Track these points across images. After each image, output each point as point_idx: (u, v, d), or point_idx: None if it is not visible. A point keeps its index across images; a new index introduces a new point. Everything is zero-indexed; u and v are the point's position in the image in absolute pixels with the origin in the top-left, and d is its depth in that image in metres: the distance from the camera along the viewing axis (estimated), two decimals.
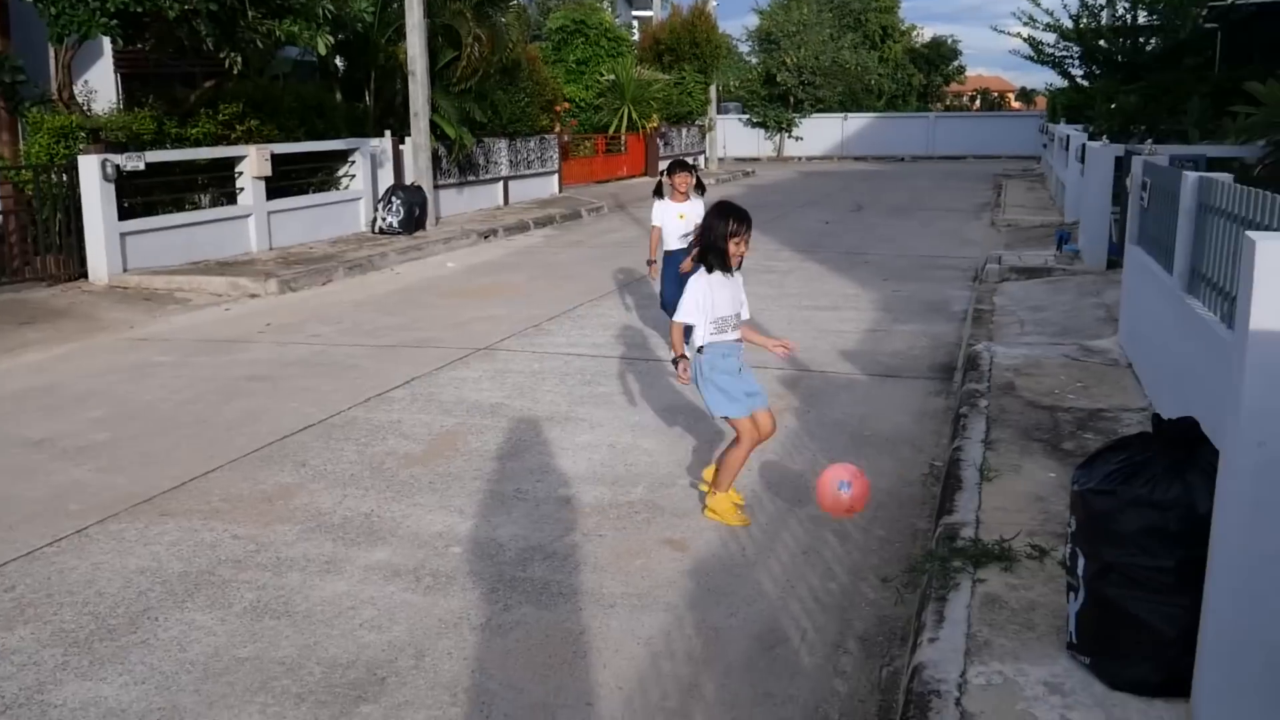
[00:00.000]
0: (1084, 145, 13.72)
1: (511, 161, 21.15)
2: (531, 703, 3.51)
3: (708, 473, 5.23)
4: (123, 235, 12.09)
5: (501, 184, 20.86)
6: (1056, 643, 3.43)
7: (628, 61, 28.67)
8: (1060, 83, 20.90)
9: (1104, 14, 18.41)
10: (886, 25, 48.41)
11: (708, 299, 4.82)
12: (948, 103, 56.61)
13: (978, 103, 61.98)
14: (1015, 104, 61.85)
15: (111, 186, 11.82)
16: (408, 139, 17.04)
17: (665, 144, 30.51)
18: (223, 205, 13.80)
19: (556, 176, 23.41)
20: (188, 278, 12.01)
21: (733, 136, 40.57)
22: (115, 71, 15.29)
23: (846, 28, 45.30)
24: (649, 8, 36.70)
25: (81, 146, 12.03)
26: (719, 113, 37.17)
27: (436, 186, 17.76)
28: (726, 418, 4.96)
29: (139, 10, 11.07)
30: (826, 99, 41.47)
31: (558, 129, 23.56)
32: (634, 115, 28.12)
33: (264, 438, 6.44)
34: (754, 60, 43.39)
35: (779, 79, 40.81)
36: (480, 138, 19.52)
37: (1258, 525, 2.67)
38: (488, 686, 3.61)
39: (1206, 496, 2.96)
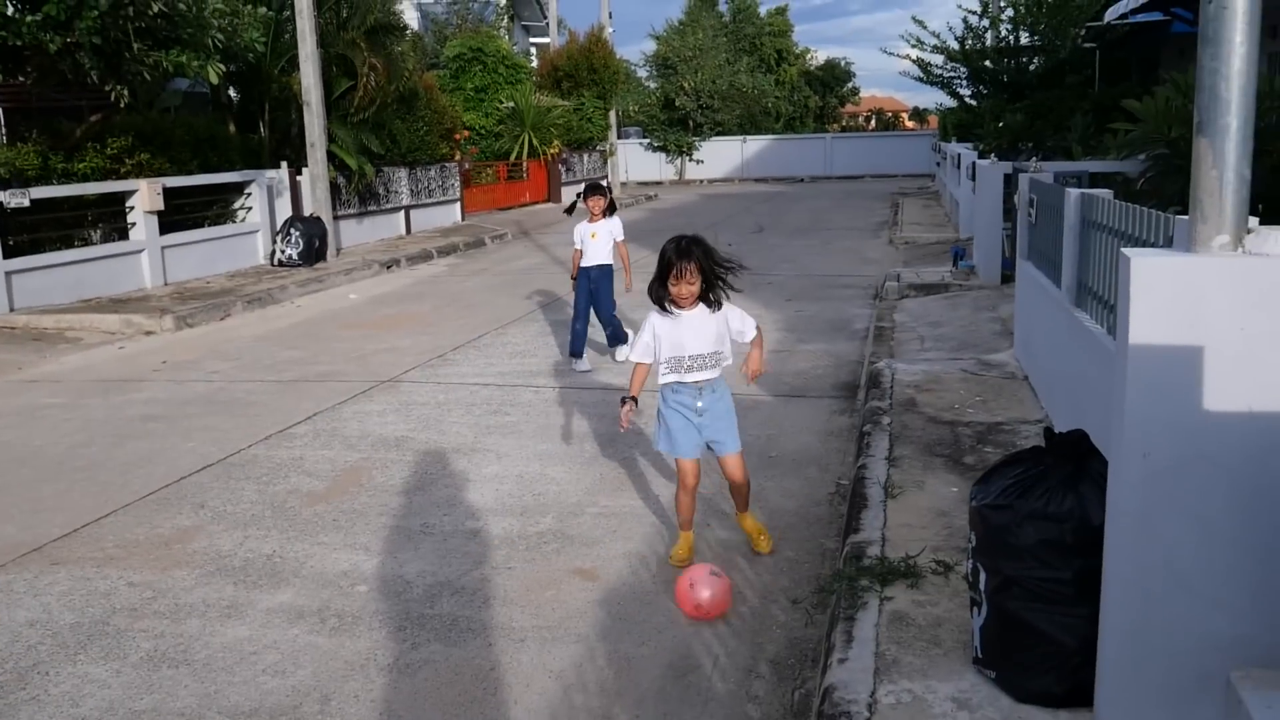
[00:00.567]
0: (974, 163, 14.13)
1: (412, 190, 20.96)
2: None
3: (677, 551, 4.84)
4: (8, 274, 11.66)
5: (403, 213, 20.65)
6: (963, 658, 3.49)
7: (526, 88, 28.66)
8: (950, 102, 21.50)
9: (988, 35, 19.02)
10: (781, 49, 49.41)
11: (655, 339, 4.57)
12: (844, 123, 57.87)
13: (873, 123, 63.47)
14: (909, 123, 63.43)
15: None
16: (305, 170, 16.77)
17: (567, 170, 30.56)
18: (114, 241, 13.40)
19: (459, 204, 23.26)
20: (79, 316, 11.62)
21: (634, 161, 40.86)
22: None
23: (742, 51, 46.10)
24: (545, 35, 36.81)
25: None
26: (620, 137, 37.40)
27: (336, 217, 17.51)
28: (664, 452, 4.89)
29: (18, 44, 10.72)
30: (725, 122, 42.04)
31: (458, 157, 23.42)
32: (535, 142, 28.11)
33: (160, 479, 6.24)
34: (653, 85, 43.78)
35: (678, 103, 41.25)
36: (380, 167, 19.31)
37: (1146, 535, 2.75)
38: None
39: (1099, 508, 3.05)
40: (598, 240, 8.81)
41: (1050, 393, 6.33)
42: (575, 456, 6.45)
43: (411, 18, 28.26)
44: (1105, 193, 5.48)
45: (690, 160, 41.83)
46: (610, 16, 34.45)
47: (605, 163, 34.43)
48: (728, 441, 4.73)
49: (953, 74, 19.36)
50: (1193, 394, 2.64)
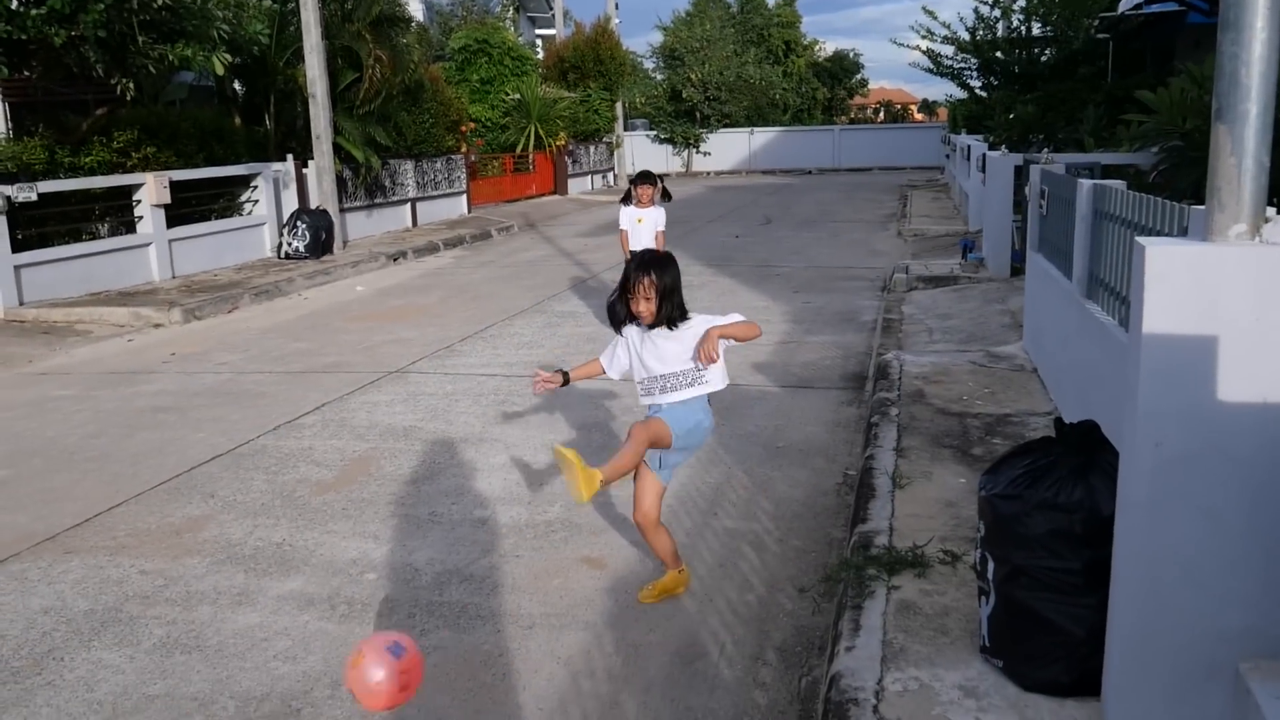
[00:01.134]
0: (984, 155, 14.10)
1: (419, 183, 20.97)
2: None
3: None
4: (17, 268, 11.68)
5: (409, 205, 20.67)
6: (970, 647, 3.50)
7: (533, 80, 28.66)
8: (960, 94, 21.43)
9: (999, 26, 18.92)
10: (789, 40, 49.28)
11: (620, 348, 4.37)
12: (852, 116, 57.73)
13: (881, 115, 63.34)
14: (918, 115, 63.34)
15: (3, 219, 11.42)
16: (311, 162, 16.78)
17: (573, 161, 30.56)
18: (121, 234, 13.42)
19: (465, 197, 23.27)
20: (88, 309, 11.65)
21: (641, 153, 40.79)
22: (2, 100, 14.77)
23: (750, 43, 45.97)
24: (551, 26, 36.79)
25: None
26: (626, 129, 37.40)
27: (343, 209, 17.52)
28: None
29: (23, 38, 10.74)
30: (733, 114, 41.97)
31: (464, 149, 23.42)
32: (541, 134, 28.11)
33: (171, 469, 6.26)
34: (659, 76, 43.74)
35: (685, 95, 41.18)
36: (386, 159, 19.32)
37: (1157, 525, 2.75)
38: (406, 714, 3.55)
39: (1109, 498, 3.05)
40: (643, 226, 9.24)
41: (1059, 385, 6.33)
42: (583, 446, 6.45)
43: (416, 9, 28.22)
44: (1118, 184, 5.47)
45: (697, 152, 41.78)
46: (616, 7, 34.46)
47: (612, 155, 34.42)
48: (667, 469, 4.27)
49: (963, 65, 19.26)
50: (1206, 384, 2.64)
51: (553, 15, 36.14)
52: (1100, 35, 16.68)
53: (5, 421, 7.57)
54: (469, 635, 4.10)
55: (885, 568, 4.15)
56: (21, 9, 10.85)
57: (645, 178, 9.31)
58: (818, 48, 53.90)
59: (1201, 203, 2.82)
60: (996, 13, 18.69)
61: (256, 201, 15.91)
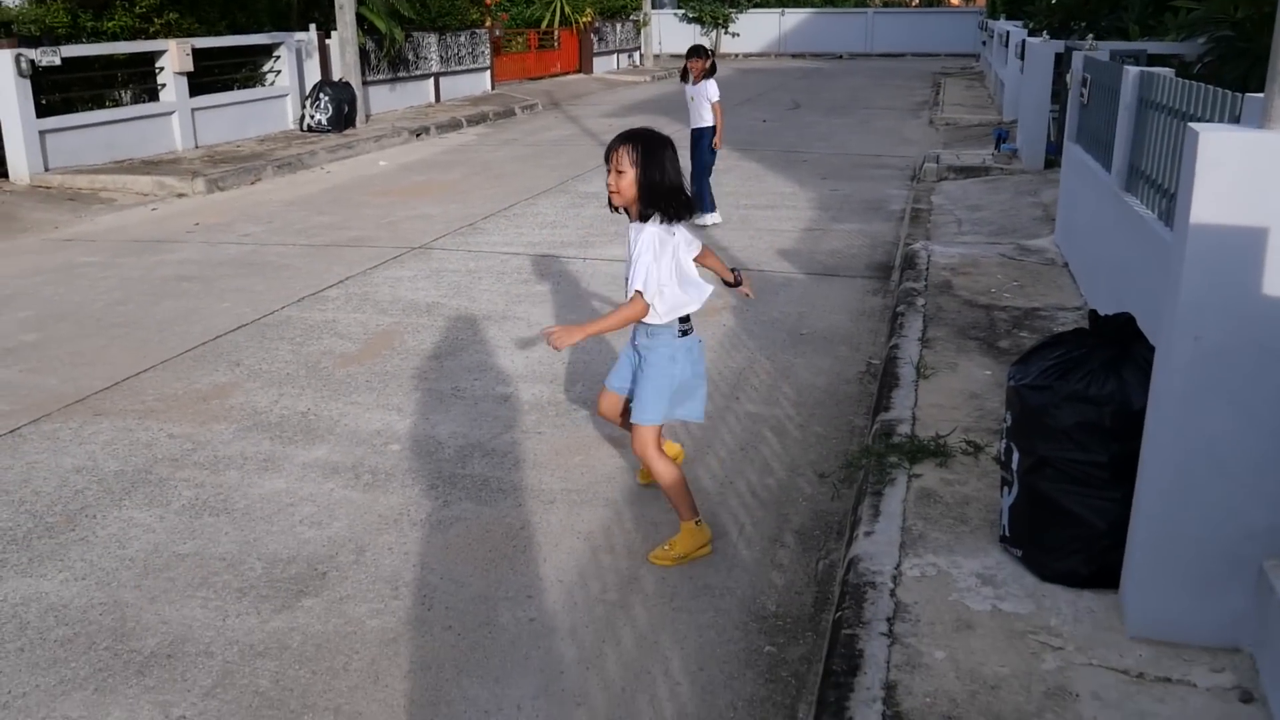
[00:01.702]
0: (1023, 42, 13.68)
1: (442, 57, 20.56)
2: (473, 595, 3.53)
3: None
4: (42, 133, 11.60)
5: (433, 80, 20.31)
6: (990, 536, 3.52)
7: None
8: None
9: None
10: None
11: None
12: None
13: None
14: (954, 0, 61.35)
15: (28, 83, 11.29)
16: (334, 33, 16.45)
17: (600, 40, 29.87)
18: (144, 102, 13.27)
19: (489, 73, 22.83)
20: (112, 177, 11.59)
21: (669, 32, 39.80)
22: None
23: None
24: None
25: None
26: (654, 8, 36.40)
27: (366, 83, 17.23)
28: None
29: None
30: None
31: (489, 24, 22.90)
32: (567, 10, 27.42)
33: (197, 337, 6.30)
34: None
35: None
36: (410, 32, 18.92)
37: (1190, 419, 2.73)
38: (429, 580, 3.63)
39: (1141, 392, 3.03)
40: (696, 103, 9.27)
41: (1092, 279, 6.25)
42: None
43: None
44: (1167, 71, 5.30)
45: (726, 33, 40.68)
46: None
47: (638, 33, 33.61)
48: (636, 405, 3.77)
49: None
50: (1251, 277, 2.58)
51: None
52: None
53: (34, 286, 7.61)
54: (490, 508, 4.15)
55: (907, 456, 4.15)
56: None
57: (697, 51, 9.35)
58: None
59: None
60: None
61: (279, 72, 15.65)
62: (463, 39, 21.42)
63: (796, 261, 8.06)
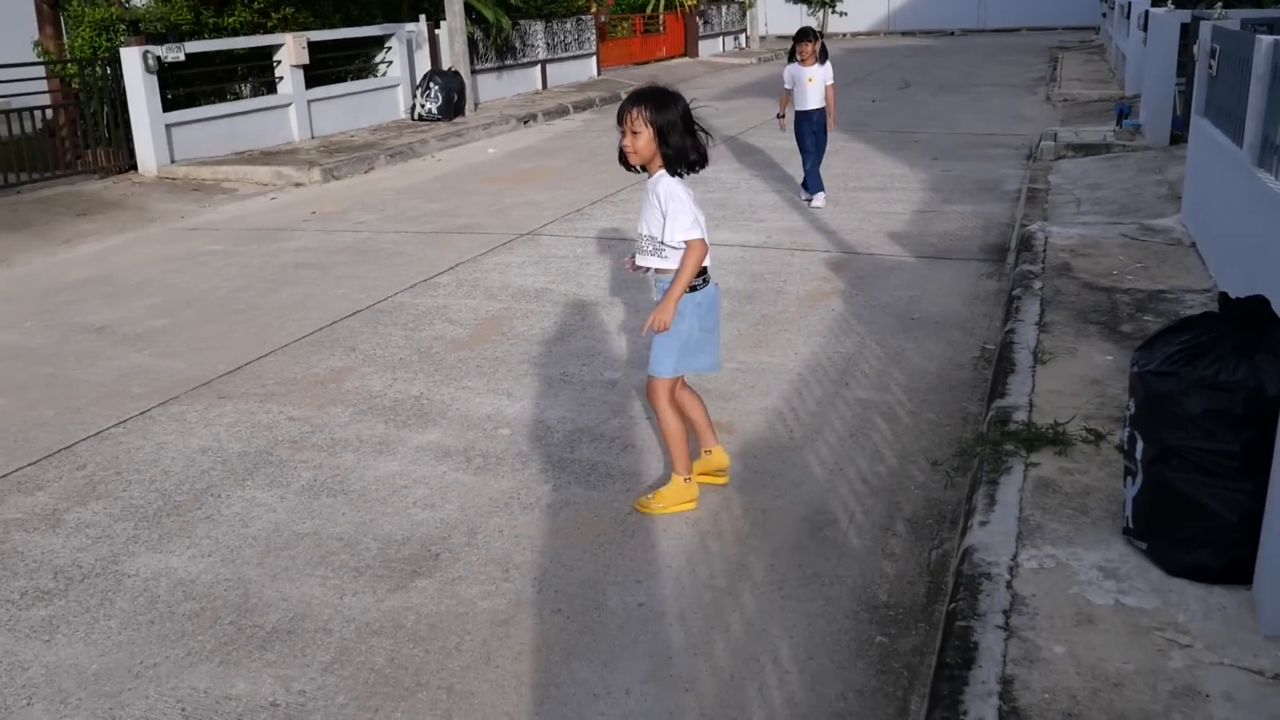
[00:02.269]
0: (1147, 12, 13.14)
1: (548, 44, 20.71)
2: (581, 579, 3.56)
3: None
4: (168, 126, 12.09)
5: (539, 68, 20.48)
6: (1112, 528, 3.40)
7: None
8: None
9: None
10: None
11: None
12: None
13: None
14: None
15: (154, 78, 11.77)
16: (443, 23, 16.70)
17: (705, 23, 29.70)
18: (263, 95, 13.70)
19: (594, 59, 22.92)
20: (233, 168, 12.01)
21: (775, 13, 39.33)
22: None
23: None
24: None
25: (123, 39, 11.96)
26: None
27: (474, 71, 17.46)
28: None
29: None
30: None
31: (594, 9, 22.97)
32: None
33: (314, 323, 6.49)
34: None
35: None
36: (516, 20, 19.10)
37: None
38: (539, 563, 3.67)
39: (1275, 378, 2.89)
40: (814, 85, 9.19)
41: (1221, 260, 5.98)
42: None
43: None
44: None
45: (833, 13, 39.99)
46: None
47: (744, 15, 33.33)
48: (651, 358, 3.91)
49: None
50: None
51: None
52: None
53: (161, 274, 7.94)
54: (599, 492, 4.18)
55: (1024, 444, 4.04)
56: None
57: (807, 34, 9.31)
58: None
59: None
60: None
61: (390, 63, 15.98)
62: (568, 25, 21.54)
63: (907, 244, 7.90)
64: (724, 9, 31.65)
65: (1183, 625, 2.88)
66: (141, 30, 12.29)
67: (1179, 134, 10.28)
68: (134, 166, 11.95)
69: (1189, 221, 7.20)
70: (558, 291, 6.95)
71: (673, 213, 3.70)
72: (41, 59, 12.30)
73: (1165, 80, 10.79)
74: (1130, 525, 3.28)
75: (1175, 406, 3.05)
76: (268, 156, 12.63)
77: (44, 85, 11.86)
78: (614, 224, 8.92)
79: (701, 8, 29.40)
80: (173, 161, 12.07)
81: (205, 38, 13.15)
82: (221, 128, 12.80)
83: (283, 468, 4.50)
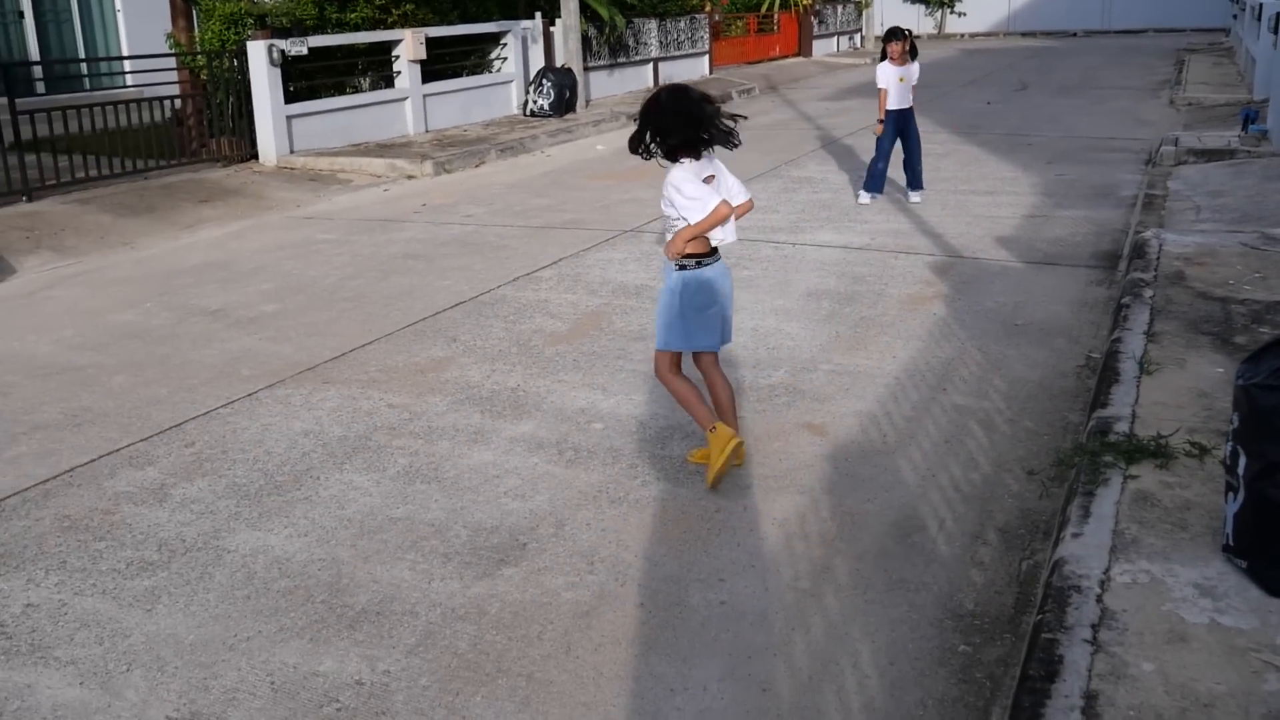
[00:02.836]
0: (1277, 14, 12.62)
1: (661, 42, 20.77)
2: (666, 575, 3.59)
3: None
4: (289, 118, 12.50)
5: (651, 65, 20.56)
6: (1211, 545, 3.29)
7: None
8: None
9: None
10: None
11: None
12: None
13: None
14: None
15: (278, 71, 12.18)
16: (558, 21, 16.90)
17: (819, 22, 29.43)
18: (380, 89, 14.06)
19: (707, 57, 22.91)
20: (349, 159, 12.36)
21: (890, 13, 38.55)
22: None
23: None
24: None
25: (250, 32, 12.41)
26: None
27: (586, 68, 17.63)
28: None
29: None
30: None
31: (708, 8, 22.96)
32: None
33: (418, 313, 6.65)
34: None
35: None
36: (630, 18, 19.22)
37: None
38: (624, 557, 3.71)
39: None
40: (905, 85, 9.25)
41: None
42: (811, 313, 6.39)
43: None
44: None
45: (951, 13, 39.27)
46: None
47: (860, 15, 32.94)
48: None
49: None
50: None
51: None
52: None
53: (275, 260, 8.22)
54: (687, 489, 4.20)
55: (1123, 455, 3.93)
56: None
57: (895, 34, 9.31)
58: None
59: None
60: None
61: (505, 59, 16.24)
62: (682, 24, 21.57)
63: (1015, 249, 7.73)
64: (839, 8, 31.32)
65: None
66: (268, 24, 12.73)
67: None
68: (255, 156, 12.39)
69: None
70: (657, 289, 6.96)
71: (680, 206, 4.07)
72: (173, 50, 12.83)
73: None
74: (1230, 542, 3.17)
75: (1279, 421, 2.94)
76: (382, 149, 12.96)
77: (174, 76, 12.37)
78: None
79: (817, 7, 29.15)
80: (292, 152, 12.48)
81: (328, 33, 13.56)
82: (339, 120, 13.18)
83: (380, 453, 4.63)
